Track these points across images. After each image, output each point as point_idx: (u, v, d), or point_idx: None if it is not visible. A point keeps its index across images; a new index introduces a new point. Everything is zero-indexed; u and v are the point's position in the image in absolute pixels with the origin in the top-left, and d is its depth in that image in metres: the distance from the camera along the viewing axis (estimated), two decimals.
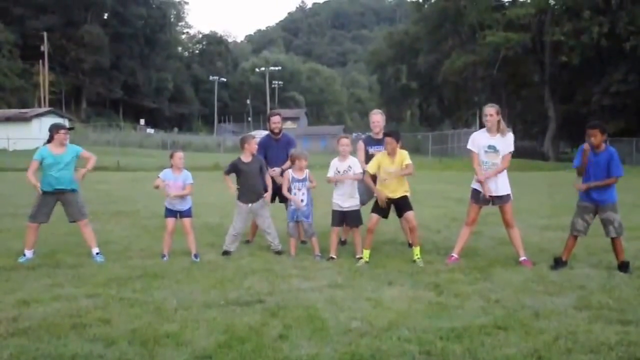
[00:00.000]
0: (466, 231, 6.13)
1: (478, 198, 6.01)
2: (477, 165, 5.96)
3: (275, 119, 7.20)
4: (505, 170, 5.99)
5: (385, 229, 6.94)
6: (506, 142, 5.94)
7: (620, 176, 5.51)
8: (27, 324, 3.89)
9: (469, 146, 6.08)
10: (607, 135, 5.66)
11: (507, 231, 6.07)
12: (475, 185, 6.04)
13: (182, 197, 6.15)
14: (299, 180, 6.34)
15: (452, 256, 6.00)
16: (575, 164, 5.78)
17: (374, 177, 6.11)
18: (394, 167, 5.85)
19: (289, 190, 6.35)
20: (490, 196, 5.93)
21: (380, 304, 4.42)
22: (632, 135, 31.75)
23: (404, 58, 58.36)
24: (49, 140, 6.04)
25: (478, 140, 6.01)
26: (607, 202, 5.58)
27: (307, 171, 6.40)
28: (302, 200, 6.30)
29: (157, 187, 6.11)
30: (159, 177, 6.14)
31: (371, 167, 5.99)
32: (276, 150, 7.10)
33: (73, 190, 6.09)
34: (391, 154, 5.88)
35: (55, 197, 6.06)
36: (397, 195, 5.92)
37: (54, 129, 6.04)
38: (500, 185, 5.94)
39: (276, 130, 7.15)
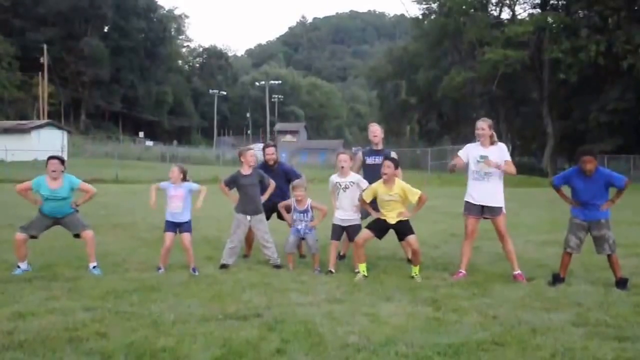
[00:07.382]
0: (467, 245, 6.13)
1: (471, 209, 6.03)
2: (456, 160, 6.11)
3: (269, 150, 7.18)
4: (501, 184, 6.04)
5: (384, 244, 6.93)
6: (499, 152, 6.00)
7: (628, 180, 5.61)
8: (23, 337, 3.85)
9: (459, 153, 6.19)
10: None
11: (501, 243, 6.09)
12: (468, 197, 6.09)
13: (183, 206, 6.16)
14: (299, 212, 6.35)
15: (460, 272, 5.99)
16: (557, 182, 5.82)
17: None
18: (389, 196, 5.82)
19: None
20: (482, 206, 5.98)
21: (378, 319, 4.41)
22: (629, 153, 31.92)
23: (403, 74, 58.55)
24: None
25: (471, 150, 6.12)
26: (601, 219, 5.61)
27: (309, 202, 6.37)
28: (300, 228, 6.33)
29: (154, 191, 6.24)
30: (159, 185, 6.21)
31: (367, 196, 5.97)
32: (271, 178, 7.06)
33: (71, 213, 6.11)
34: (388, 180, 5.83)
35: (54, 220, 6.07)
36: (394, 221, 5.89)
37: (47, 160, 5.98)
38: (492, 196, 5.98)
39: (270, 162, 7.13)
